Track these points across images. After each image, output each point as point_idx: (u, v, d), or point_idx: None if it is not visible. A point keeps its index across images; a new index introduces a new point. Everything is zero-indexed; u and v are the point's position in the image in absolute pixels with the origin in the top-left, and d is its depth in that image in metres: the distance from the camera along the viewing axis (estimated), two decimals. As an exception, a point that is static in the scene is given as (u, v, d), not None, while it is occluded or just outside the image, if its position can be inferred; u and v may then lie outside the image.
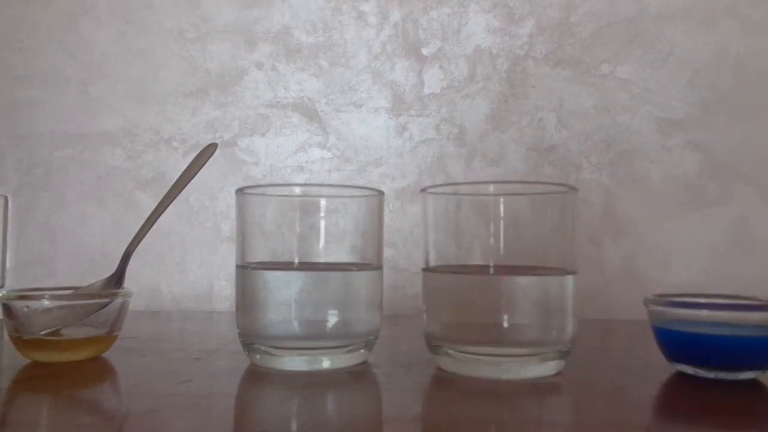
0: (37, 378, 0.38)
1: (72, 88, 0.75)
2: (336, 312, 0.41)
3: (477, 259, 0.40)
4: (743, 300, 0.42)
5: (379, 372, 0.40)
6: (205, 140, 0.73)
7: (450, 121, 0.72)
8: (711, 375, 0.38)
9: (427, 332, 0.42)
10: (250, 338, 0.42)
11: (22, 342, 0.42)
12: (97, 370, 0.41)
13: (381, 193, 0.44)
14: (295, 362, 0.40)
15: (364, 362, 0.42)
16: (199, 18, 0.75)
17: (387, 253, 0.71)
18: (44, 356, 0.42)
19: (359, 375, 0.40)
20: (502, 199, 0.40)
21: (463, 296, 0.40)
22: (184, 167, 0.49)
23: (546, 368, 0.39)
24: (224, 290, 0.73)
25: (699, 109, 0.70)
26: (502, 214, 0.39)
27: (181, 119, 0.74)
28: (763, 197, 0.69)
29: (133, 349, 0.46)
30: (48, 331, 0.42)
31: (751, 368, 0.38)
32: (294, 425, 0.31)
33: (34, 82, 0.75)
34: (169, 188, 0.48)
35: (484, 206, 0.40)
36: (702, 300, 0.42)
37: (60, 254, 0.74)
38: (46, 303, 0.43)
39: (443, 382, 0.39)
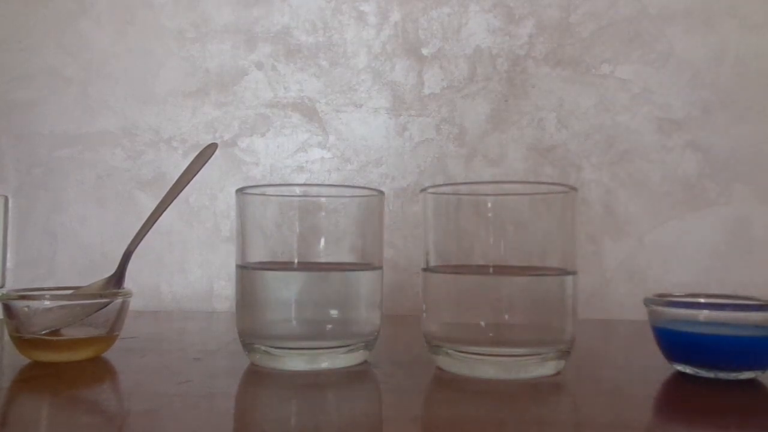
0: (37, 378, 0.38)
1: (72, 88, 0.75)
2: (336, 312, 0.41)
3: (477, 259, 0.40)
4: (743, 300, 0.42)
5: (379, 372, 0.40)
6: (205, 140, 0.73)
7: (450, 121, 0.72)
8: (711, 375, 0.38)
9: (426, 332, 0.42)
10: (250, 338, 0.42)
11: (22, 342, 0.42)
12: (97, 370, 0.41)
13: (381, 193, 0.44)
14: (295, 362, 0.40)
15: (364, 362, 0.42)
16: (199, 18, 0.75)
17: (387, 253, 0.71)
18: (44, 356, 0.42)
19: (359, 375, 0.40)
20: (502, 199, 0.40)
21: (463, 296, 0.40)
22: (184, 167, 0.49)
23: (546, 368, 0.39)
24: (224, 290, 0.73)
25: (699, 109, 0.70)
26: (502, 214, 0.39)
27: (181, 119, 0.74)
28: (763, 197, 0.69)
29: (133, 349, 0.46)
30: (48, 330, 0.42)
31: (751, 368, 0.38)
32: (294, 425, 0.31)
33: (33, 82, 0.75)
34: (169, 188, 0.48)
35: (484, 206, 0.40)
36: (702, 300, 0.42)
37: (60, 254, 0.74)
38: (47, 303, 0.43)
39: (443, 382, 0.39)
